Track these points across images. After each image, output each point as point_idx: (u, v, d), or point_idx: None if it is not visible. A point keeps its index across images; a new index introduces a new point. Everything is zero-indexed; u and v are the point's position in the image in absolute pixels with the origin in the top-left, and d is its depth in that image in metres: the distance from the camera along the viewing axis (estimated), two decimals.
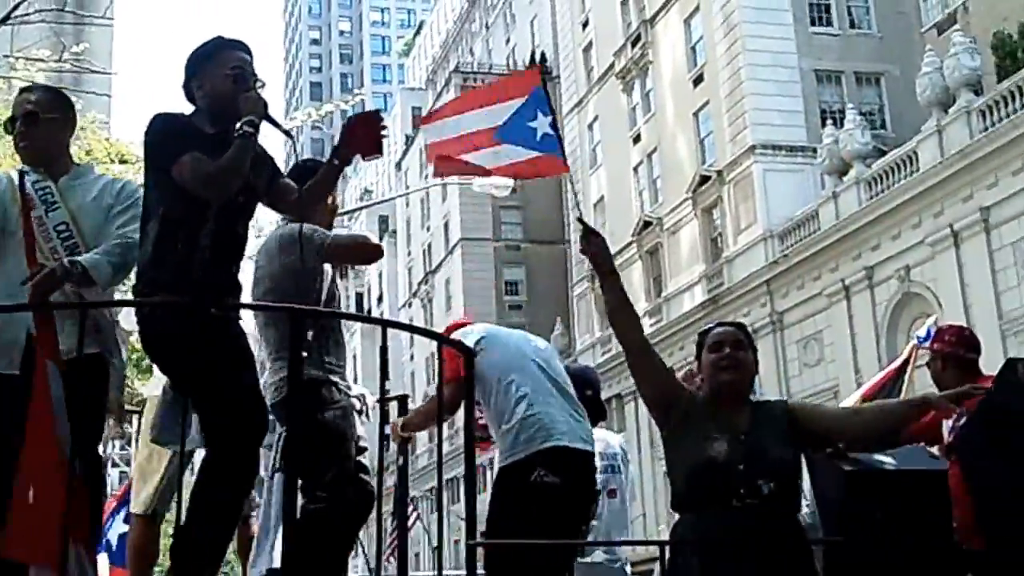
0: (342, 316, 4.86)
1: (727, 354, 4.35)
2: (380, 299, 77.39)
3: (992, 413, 4.85)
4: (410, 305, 69.10)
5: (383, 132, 4.21)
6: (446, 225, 62.87)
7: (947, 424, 5.72)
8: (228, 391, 3.96)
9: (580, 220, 4.51)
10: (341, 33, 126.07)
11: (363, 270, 79.27)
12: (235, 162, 3.96)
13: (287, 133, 4.26)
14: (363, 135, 4.19)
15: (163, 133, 4.08)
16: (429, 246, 66.88)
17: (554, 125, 4.95)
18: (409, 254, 71.40)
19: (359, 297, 78.03)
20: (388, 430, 5.09)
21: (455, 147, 4.97)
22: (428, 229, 67.08)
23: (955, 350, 5.76)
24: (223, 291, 4.12)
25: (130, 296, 4.30)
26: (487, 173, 5.12)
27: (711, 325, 4.60)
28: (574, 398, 5.37)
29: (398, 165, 72.63)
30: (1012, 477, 4.81)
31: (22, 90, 4.96)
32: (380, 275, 77.77)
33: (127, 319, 4.63)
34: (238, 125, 3.99)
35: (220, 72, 4.15)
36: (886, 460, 5.82)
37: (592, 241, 4.44)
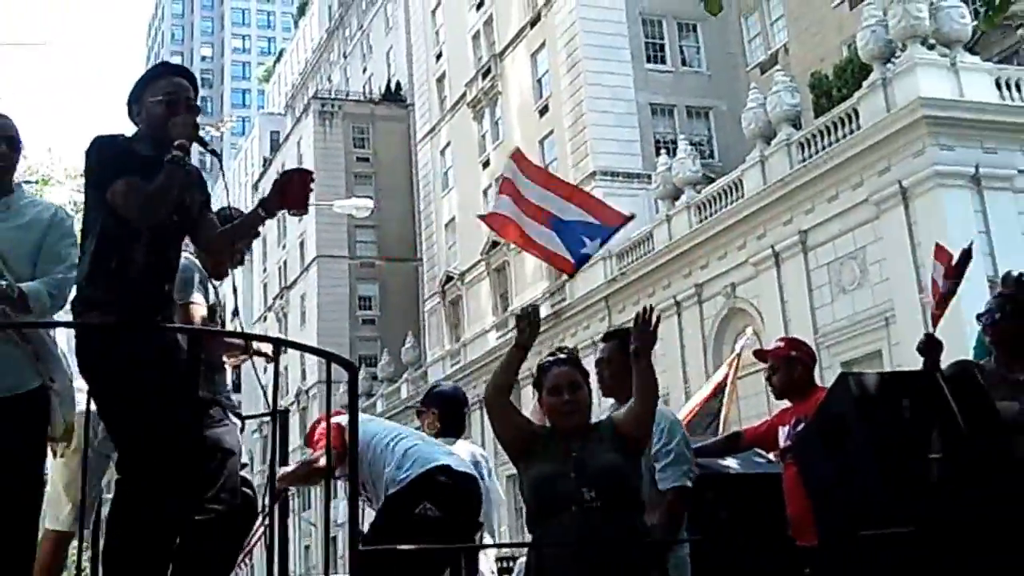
0: (239, 336, 4.79)
1: (567, 400, 4.42)
2: (236, 313, 75.76)
3: (827, 420, 5.04)
4: (265, 319, 67.90)
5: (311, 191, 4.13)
6: (302, 243, 62.06)
7: (783, 431, 5.90)
8: (150, 417, 3.79)
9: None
10: (203, 58, 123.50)
11: (217, 285, 77.46)
12: (162, 189, 3.85)
13: (214, 153, 4.17)
14: (296, 191, 4.10)
15: (101, 155, 3.96)
16: (285, 263, 65.90)
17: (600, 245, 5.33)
18: (265, 270, 70.18)
19: (211, 311, 76.33)
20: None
21: (515, 206, 5.22)
22: (284, 247, 66.10)
23: (809, 360, 5.99)
24: (156, 309, 3.99)
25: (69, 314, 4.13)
26: (527, 243, 5.46)
27: (549, 361, 4.58)
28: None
29: (255, 186, 71.41)
30: (844, 478, 5.00)
31: None
32: (235, 290, 76.09)
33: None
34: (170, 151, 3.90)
35: (154, 98, 4.08)
36: (730, 464, 6.00)
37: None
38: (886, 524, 4.57)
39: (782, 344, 6.20)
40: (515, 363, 4.44)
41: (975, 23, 25.18)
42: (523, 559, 7.73)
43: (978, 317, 5.29)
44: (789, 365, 5.93)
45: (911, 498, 4.56)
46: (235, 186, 73.82)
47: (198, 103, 4.19)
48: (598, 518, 4.17)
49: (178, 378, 3.92)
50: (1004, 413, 4.76)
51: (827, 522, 5.06)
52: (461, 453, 6.16)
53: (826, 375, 16.35)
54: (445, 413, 6.35)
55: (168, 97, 4.07)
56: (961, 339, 8.41)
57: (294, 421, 55.85)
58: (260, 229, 4.30)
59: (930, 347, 5.29)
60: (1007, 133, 22.81)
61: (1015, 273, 6.21)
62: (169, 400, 3.83)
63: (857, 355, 24.11)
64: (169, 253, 4.09)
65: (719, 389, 11.82)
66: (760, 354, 6.05)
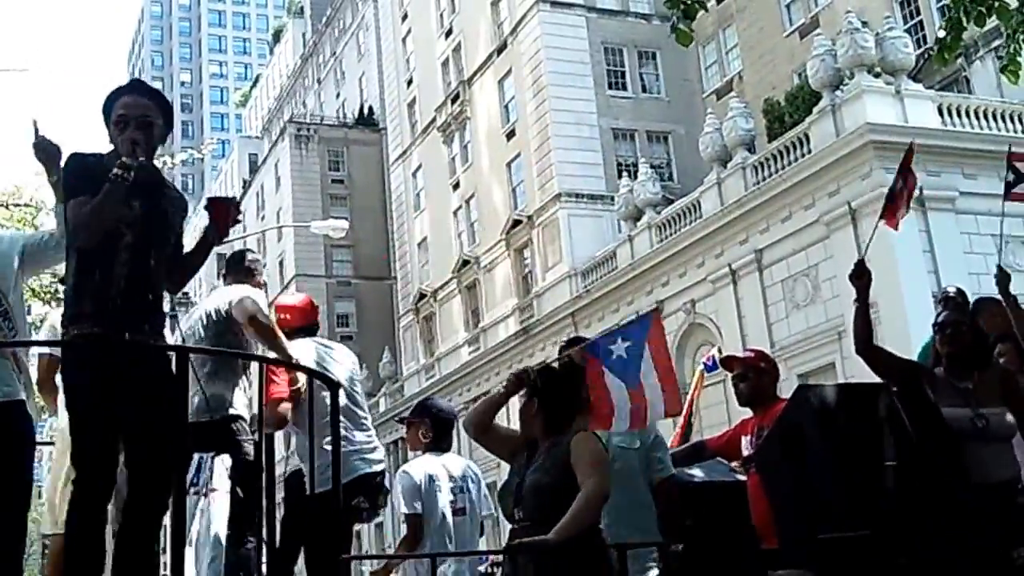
0: (227, 354, 4.77)
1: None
2: None
3: (787, 430, 5.08)
4: None
5: (238, 218, 4.17)
6: (281, 263, 61.77)
7: (745, 440, 5.92)
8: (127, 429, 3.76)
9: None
10: (182, 84, 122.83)
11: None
12: (97, 207, 3.74)
13: (149, 169, 4.07)
14: (222, 216, 4.12)
15: (69, 172, 3.94)
16: (265, 282, 65.53)
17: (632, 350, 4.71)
18: None
19: None
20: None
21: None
22: (264, 266, 65.79)
23: (774, 372, 6.04)
24: (140, 319, 3.88)
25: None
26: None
27: None
28: (364, 408, 6.08)
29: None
30: (803, 485, 5.04)
31: None
32: None
33: None
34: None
35: (112, 120, 4.02)
36: (696, 473, 6.02)
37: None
38: (844, 528, 4.62)
39: (752, 354, 6.21)
40: (497, 407, 4.59)
41: (918, 52, 25.51)
42: None
43: (933, 326, 5.38)
44: (759, 374, 5.94)
45: (867, 503, 4.61)
46: None
47: (159, 120, 4.05)
48: (523, 536, 4.12)
49: (153, 387, 3.76)
50: (951, 420, 4.83)
51: (788, 526, 5.09)
52: (453, 467, 6.18)
53: (783, 386, 16.42)
54: (437, 426, 6.25)
55: (120, 119, 3.99)
56: (907, 347, 8.50)
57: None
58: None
59: (860, 274, 5.57)
60: (949, 157, 23.03)
61: (950, 290, 6.32)
62: (142, 409, 3.77)
63: (812, 367, 24.23)
64: (151, 262, 3.96)
65: (691, 405, 12.04)
66: (728, 362, 6.07)
